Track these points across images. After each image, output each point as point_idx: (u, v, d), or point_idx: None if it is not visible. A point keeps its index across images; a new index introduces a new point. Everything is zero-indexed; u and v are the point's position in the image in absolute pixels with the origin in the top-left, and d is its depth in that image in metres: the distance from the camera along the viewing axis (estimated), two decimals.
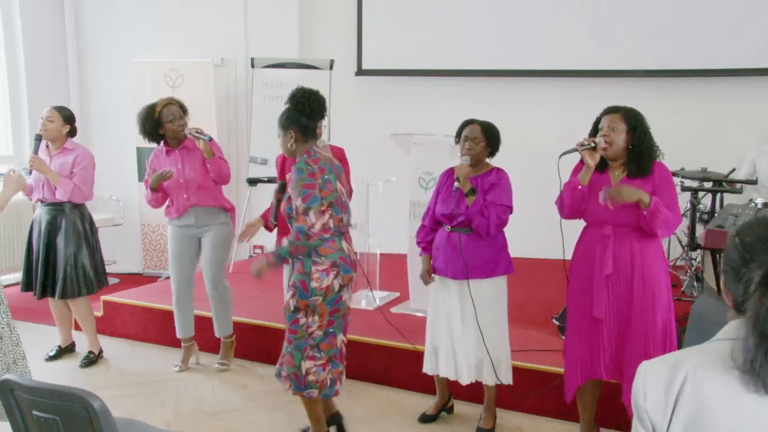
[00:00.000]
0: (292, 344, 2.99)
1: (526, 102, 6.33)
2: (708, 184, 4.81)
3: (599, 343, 2.86)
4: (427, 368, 3.37)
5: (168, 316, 4.34)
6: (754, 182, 5.11)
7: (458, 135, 3.27)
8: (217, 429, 3.45)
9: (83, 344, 4.40)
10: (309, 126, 2.98)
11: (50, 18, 6.58)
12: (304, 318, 2.94)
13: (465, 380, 3.22)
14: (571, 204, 2.88)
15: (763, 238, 1.17)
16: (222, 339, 4.22)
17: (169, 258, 4.15)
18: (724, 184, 4.82)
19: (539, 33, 6.25)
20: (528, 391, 3.49)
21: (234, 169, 4.26)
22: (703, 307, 2.66)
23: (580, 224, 2.99)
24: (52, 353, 4.37)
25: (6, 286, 5.74)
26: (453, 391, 3.53)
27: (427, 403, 3.61)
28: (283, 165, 3.78)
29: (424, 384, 3.69)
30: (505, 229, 3.26)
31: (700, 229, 4.57)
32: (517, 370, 3.32)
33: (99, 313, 4.71)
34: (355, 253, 3.14)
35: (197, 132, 3.90)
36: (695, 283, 5.03)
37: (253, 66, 6.29)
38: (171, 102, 3.99)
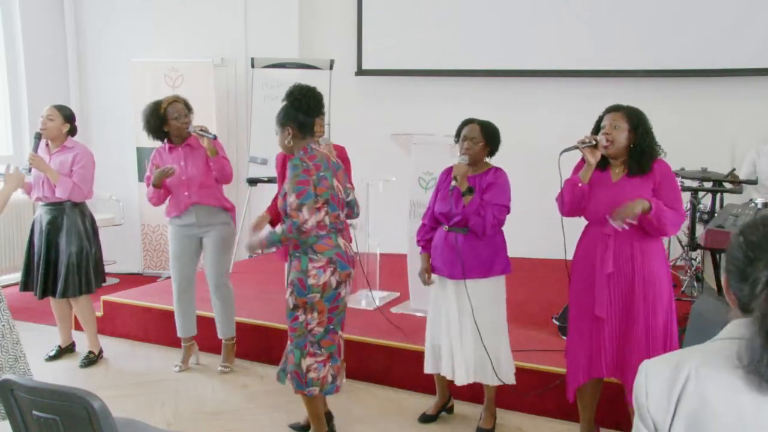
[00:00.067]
0: (293, 342, 3.03)
1: (526, 102, 6.33)
2: (708, 184, 4.80)
3: (601, 342, 2.87)
4: (428, 368, 3.37)
5: (168, 316, 4.34)
6: (754, 182, 5.11)
7: (457, 134, 3.28)
8: (217, 429, 3.44)
9: (83, 344, 4.40)
10: (306, 122, 2.99)
11: (50, 18, 6.58)
12: (303, 315, 2.96)
13: (460, 381, 3.22)
14: (571, 201, 2.89)
15: None
16: (224, 341, 4.22)
17: (170, 257, 4.15)
18: (724, 184, 4.81)
19: (539, 33, 6.25)
20: (528, 390, 3.49)
21: (234, 169, 4.26)
22: (703, 307, 2.66)
23: (581, 223, 2.99)
24: (52, 353, 4.37)
25: (6, 286, 5.76)
26: (453, 391, 3.53)
27: (427, 403, 3.61)
28: (283, 163, 3.78)
29: (424, 384, 3.68)
30: (505, 229, 3.26)
31: (700, 229, 4.57)
32: (517, 370, 3.31)
33: (99, 313, 4.70)
34: (353, 250, 3.15)
35: (201, 130, 3.91)
36: (695, 283, 5.03)
37: (253, 66, 6.28)
38: (176, 100, 4.00)
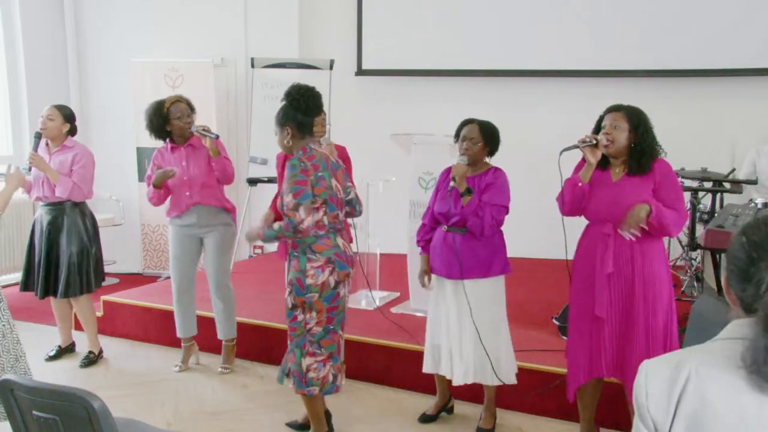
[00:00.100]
0: (293, 341, 3.04)
1: (526, 102, 6.33)
2: (708, 184, 4.80)
3: (601, 342, 2.87)
4: (427, 367, 3.37)
5: (168, 316, 4.34)
6: (754, 182, 5.11)
7: (457, 134, 3.27)
8: (217, 429, 3.44)
9: (83, 344, 4.40)
10: (305, 122, 2.99)
11: (50, 18, 6.58)
12: (302, 315, 2.97)
13: (457, 381, 3.22)
14: (571, 201, 2.89)
15: None
16: (224, 342, 4.22)
17: (170, 258, 4.15)
18: (724, 184, 4.81)
19: (539, 33, 6.25)
20: (528, 390, 3.49)
21: (234, 169, 4.26)
22: (703, 307, 2.65)
23: (581, 223, 2.99)
24: (52, 353, 4.37)
25: (6, 286, 5.76)
26: (453, 391, 3.52)
27: (427, 403, 3.61)
28: (284, 163, 3.77)
29: (424, 384, 3.68)
30: (505, 229, 3.26)
31: (700, 229, 4.57)
32: (517, 370, 3.31)
33: (99, 313, 4.70)
34: (353, 250, 3.15)
35: (204, 130, 3.91)
36: (695, 283, 5.03)
37: (253, 66, 6.29)
38: (179, 99, 3.99)
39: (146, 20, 6.62)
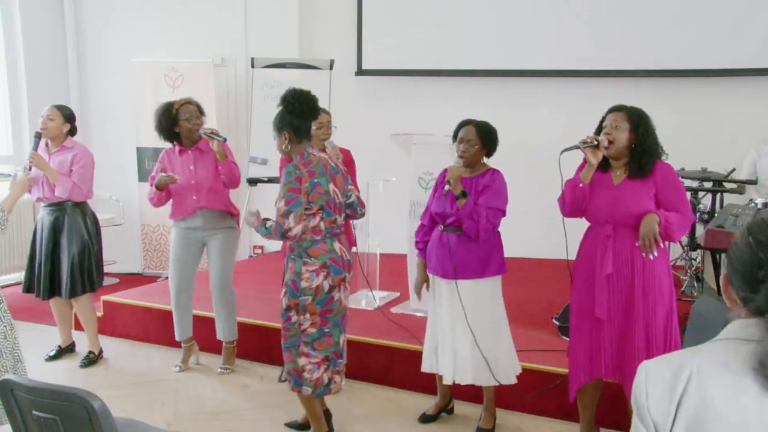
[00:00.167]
0: (287, 341, 3.07)
1: (526, 102, 6.33)
2: (708, 184, 4.81)
3: (601, 343, 2.86)
4: (425, 366, 3.37)
5: (168, 316, 4.33)
6: (754, 182, 5.11)
7: (454, 136, 3.26)
8: (217, 429, 3.44)
9: (83, 344, 4.40)
10: (302, 126, 3.02)
11: (50, 18, 6.58)
12: (296, 316, 3.02)
13: (447, 380, 3.23)
14: (572, 201, 2.89)
15: None
16: (224, 344, 4.21)
17: (171, 260, 4.14)
18: (724, 184, 4.82)
19: (539, 33, 6.25)
20: (528, 390, 3.49)
21: None
22: (703, 307, 2.65)
23: (582, 223, 2.99)
24: (52, 353, 4.37)
25: (6, 286, 5.77)
26: (453, 391, 3.52)
27: (427, 403, 3.61)
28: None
29: (424, 384, 3.69)
30: (505, 230, 3.25)
31: (700, 229, 4.57)
32: None
33: (99, 313, 4.70)
34: (350, 254, 3.16)
35: (212, 132, 3.90)
36: (695, 283, 5.03)
37: (253, 66, 6.29)
38: (189, 102, 3.99)
39: (146, 20, 6.62)
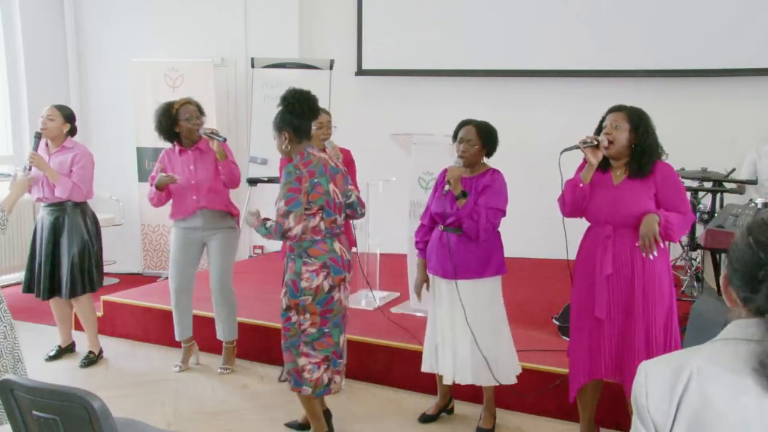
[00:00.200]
0: (287, 341, 3.07)
1: (526, 102, 6.33)
2: (708, 184, 4.81)
3: (601, 343, 2.86)
4: (425, 366, 3.37)
5: (168, 316, 4.33)
6: (754, 182, 5.11)
7: (454, 136, 3.26)
8: (217, 429, 3.44)
9: (83, 344, 4.40)
10: (301, 126, 3.02)
11: (50, 18, 6.58)
12: (296, 316, 3.02)
13: (447, 381, 3.23)
14: (572, 201, 2.89)
15: None
16: (224, 344, 4.21)
17: (171, 260, 4.14)
18: (724, 184, 4.82)
19: (539, 33, 6.26)
20: (528, 390, 3.49)
21: None
22: (703, 307, 2.66)
23: (582, 223, 2.98)
24: (52, 353, 4.37)
25: (6, 286, 5.77)
26: (453, 391, 3.52)
27: (427, 403, 3.60)
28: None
29: (424, 384, 3.69)
30: (505, 229, 3.25)
31: (700, 229, 4.57)
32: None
33: (99, 313, 4.70)
34: (350, 254, 3.16)
35: (212, 132, 3.90)
36: (695, 283, 5.03)
37: (253, 66, 6.29)
38: (189, 102, 3.99)
39: (146, 20, 6.62)
